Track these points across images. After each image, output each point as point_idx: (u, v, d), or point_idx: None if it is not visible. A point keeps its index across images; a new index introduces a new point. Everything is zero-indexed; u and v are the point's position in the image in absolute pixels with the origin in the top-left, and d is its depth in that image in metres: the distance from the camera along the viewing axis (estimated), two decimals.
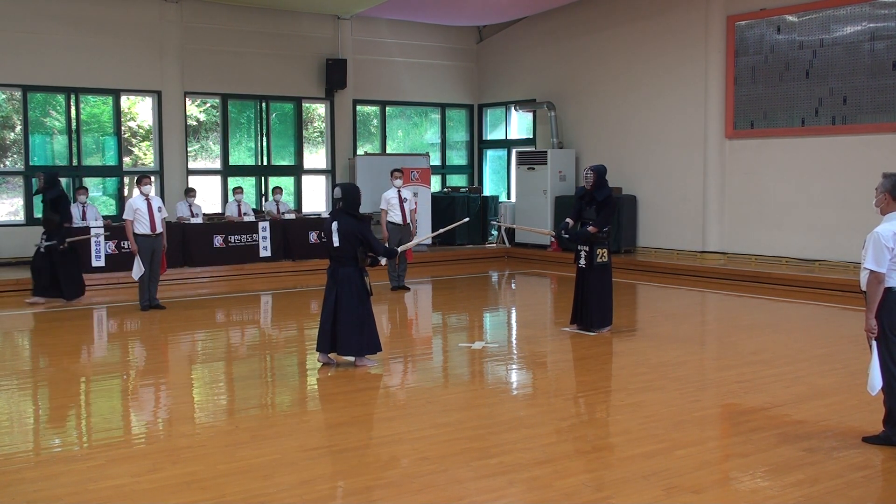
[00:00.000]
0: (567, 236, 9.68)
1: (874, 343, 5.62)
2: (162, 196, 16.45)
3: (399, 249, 9.29)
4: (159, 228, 11.38)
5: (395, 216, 12.94)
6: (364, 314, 8.04)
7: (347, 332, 7.98)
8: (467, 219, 11.38)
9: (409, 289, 13.32)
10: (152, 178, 11.82)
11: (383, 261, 8.34)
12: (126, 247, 14.13)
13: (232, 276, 14.93)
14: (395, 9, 17.72)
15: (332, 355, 8.23)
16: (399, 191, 13.04)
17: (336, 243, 7.98)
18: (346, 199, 8.01)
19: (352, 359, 8.18)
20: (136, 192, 11.96)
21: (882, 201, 5.74)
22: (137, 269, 11.31)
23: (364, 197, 19.44)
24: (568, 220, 9.76)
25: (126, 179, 17.00)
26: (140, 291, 11.57)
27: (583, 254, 9.56)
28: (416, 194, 14.66)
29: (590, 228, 9.42)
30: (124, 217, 11.44)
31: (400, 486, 5.11)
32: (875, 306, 5.56)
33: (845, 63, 14.01)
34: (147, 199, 11.35)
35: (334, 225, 8.00)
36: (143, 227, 11.28)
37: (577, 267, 9.68)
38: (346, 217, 7.97)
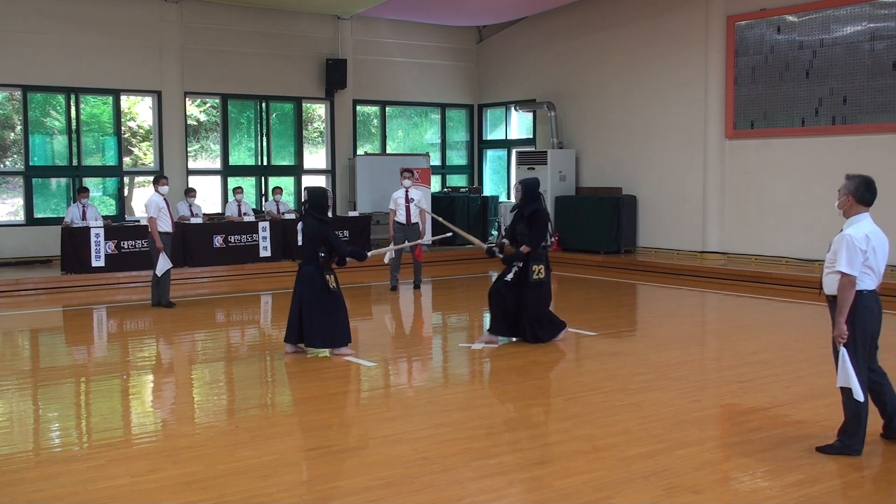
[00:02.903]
0: (501, 256, 9.15)
1: (842, 349, 5.46)
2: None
3: (370, 254, 9.43)
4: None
5: (401, 216, 13.07)
6: (326, 309, 8.45)
7: (310, 327, 8.46)
8: (450, 234, 11.14)
9: (418, 289, 13.52)
10: (168, 179, 12.18)
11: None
12: (126, 247, 14.22)
13: (232, 276, 14.93)
14: (395, 9, 17.72)
15: (302, 346, 8.73)
16: (407, 191, 13.13)
17: (300, 242, 8.59)
18: (311, 201, 8.54)
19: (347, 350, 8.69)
20: (152, 190, 12.07)
21: (845, 203, 5.62)
22: (163, 265, 11.51)
23: (364, 197, 19.60)
24: (504, 239, 9.35)
25: (126, 179, 17.01)
26: (162, 287, 11.69)
27: (514, 268, 8.98)
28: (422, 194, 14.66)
29: (522, 249, 8.91)
30: (150, 215, 11.58)
31: (400, 486, 5.10)
32: (847, 310, 5.44)
33: (845, 63, 14.01)
34: (165, 198, 11.71)
35: (300, 225, 8.62)
36: (165, 225, 11.62)
37: (499, 278, 9.11)
38: (311, 218, 8.44)
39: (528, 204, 8.99)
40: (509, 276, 9.00)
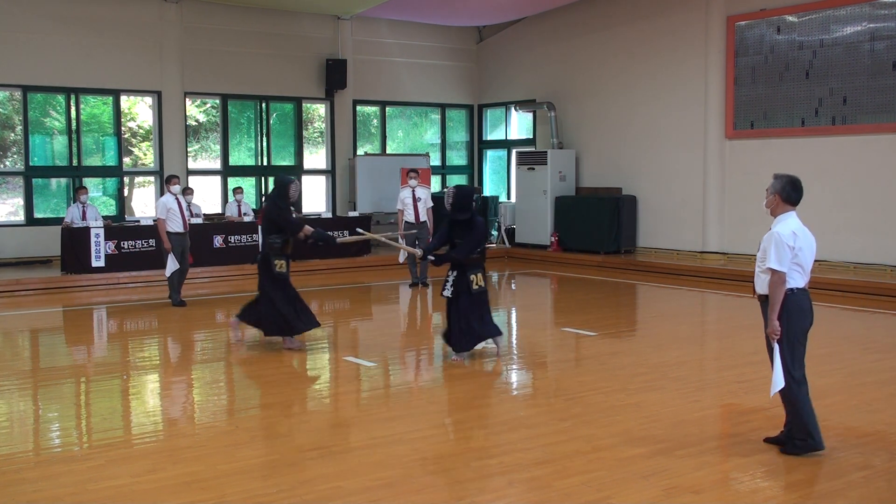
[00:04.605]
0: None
1: (776, 346, 5.48)
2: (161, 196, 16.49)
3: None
4: (187, 225, 11.85)
5: (409, 215, 13.45)
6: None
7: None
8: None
9: (428, 285, 13.62)
10: (180, 178, 12.28)
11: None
12: (126, 247, 14.25)
13: (232, 276, 14.93)
14: (395, 9, 17.72)
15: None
16: (413, 190, 13.44)
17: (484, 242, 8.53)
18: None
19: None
20: (165, 191, 12.23)
21: (772, 202, 5.61)
22: (171, 266, 11.62)
23: (363, 196, 19.67)
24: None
25: (126, 179, 17.02)
26: (171, 288, 11.83)
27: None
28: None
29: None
30: (158, 216, 11.75)
31: (400, 486, 5.11)
32: (778, 307, 5.45)
33: (845, 63, 14.01)
34: (177, 198, 11.73)
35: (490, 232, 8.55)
36: (175, 226, 11.64)
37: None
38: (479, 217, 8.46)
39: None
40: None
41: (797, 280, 5.52)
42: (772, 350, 5.54)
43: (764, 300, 5.59)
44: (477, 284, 8.33)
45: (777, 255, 5.44)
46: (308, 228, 8.99)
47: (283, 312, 8.83)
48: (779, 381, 5.46)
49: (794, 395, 5.56)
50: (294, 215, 14.28)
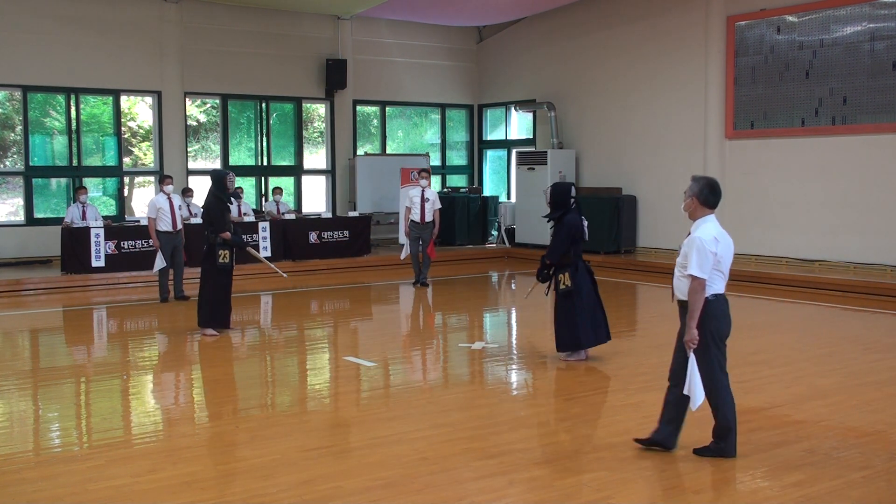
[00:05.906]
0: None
1: (692, 354, 5.38)
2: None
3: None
4: (179, 225, 12.15)
5: (416, 214, 13.48)
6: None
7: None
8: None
9: (427, 285, 13.72)
10: (173, 178, 12.93)
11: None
12: (126, 247, 14.28)
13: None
14: (395, 9, 17.72)
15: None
16: (423, 190, 13.51)
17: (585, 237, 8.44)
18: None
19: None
20: (158, 190, 12.58)
21: (690, 205, 5.51)
22: (159, 263, 12.00)
23: (363, 196, 19.63)
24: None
25: (126, 179, 17.02)
26: (160, 285, 12.22)
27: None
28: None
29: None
30: (148, 215, 12.15)
31: (400, 486, 5.10)
32: (698, 315, 5.35)
33: (845, 63, 14.01)
34: (169, 198, 12.07)
35: (584, 223, 8.40)
36: (165, 225, 11.99)
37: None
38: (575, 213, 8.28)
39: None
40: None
41: (718, 286, 5.43)
42: (686, 359, 5.40)
43: (684, 306, 5.49)
44: (564, 284, 8.23)
45: (699, 262, 5.32)
46: (227, 234, 9.73)
47: (220, 305, 9.65)
48: (696, 388, 5.35)
49: (723, 398, 5.50)
50: (235, 206, 14.80)
